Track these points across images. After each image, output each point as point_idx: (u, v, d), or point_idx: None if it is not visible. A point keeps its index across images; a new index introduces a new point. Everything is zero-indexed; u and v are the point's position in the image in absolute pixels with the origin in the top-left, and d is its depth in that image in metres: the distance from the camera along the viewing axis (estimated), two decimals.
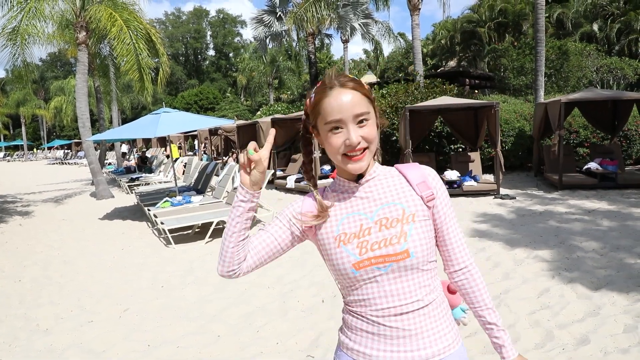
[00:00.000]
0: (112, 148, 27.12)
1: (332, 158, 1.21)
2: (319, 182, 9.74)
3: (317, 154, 11.88)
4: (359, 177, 1.26)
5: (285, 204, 9.32)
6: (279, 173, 12.54)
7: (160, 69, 13.31)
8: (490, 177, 10.56)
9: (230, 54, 67.35)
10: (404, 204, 1.22)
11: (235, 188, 8.31)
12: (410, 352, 1.21)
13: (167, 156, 17.93)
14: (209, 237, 6.73)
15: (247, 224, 1.23)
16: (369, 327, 1.23)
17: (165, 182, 13.22)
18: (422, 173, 1.27)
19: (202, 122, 9.41)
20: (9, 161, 45.10)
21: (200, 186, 9.64)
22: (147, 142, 28.57)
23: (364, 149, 1.18)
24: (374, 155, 1.27)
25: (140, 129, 8.78)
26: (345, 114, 1.15)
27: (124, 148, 24.52)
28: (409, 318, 1.20)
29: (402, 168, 1.30)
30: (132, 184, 13.51)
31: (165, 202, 8.08)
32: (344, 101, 1.15)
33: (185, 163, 13.87)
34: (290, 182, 11.02)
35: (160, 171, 15.33)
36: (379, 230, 1.20)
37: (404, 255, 1.16)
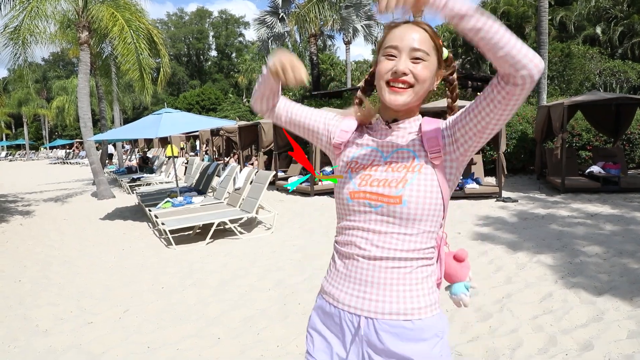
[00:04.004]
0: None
1: (377, 84, 1.23)
2: (317, 185, 9.61)
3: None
4: (393, 121, 1.28)
5: (287, 206, 9.30)
6: (281, 174, 12.51)
7: (162, 70, 13.31)
8: (492, 180, 10.53)
9: (233, 55, 67.41)
10: (416, 153, 1.22)
11: (236, 189, 8.29)
12: (375, 301, 1.20)
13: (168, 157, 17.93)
14: (210, 238, 6.70)
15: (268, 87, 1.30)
16: (342, 267, 1.26)
17: (166, 182, 13.21)
18: (437, 130, 1.24)
19: (203, 123, 9.40)
20: (10, 160, 45.12)
21: (201, 187, 9.63)
22: (149, 142, 28.58)
23: (409, 86, 1.17)
24: (419, 106, 1.29)
25: (142, 129, 8.78)
26: (403, 43, 1.16)
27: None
28: (381, 266, 1.19)
29: (424, 121, 1.28)
30: (134, 184, 13.51)
31: (166, 202, 8.06)
32: (407, 32, 1.17)
33: (186, 165, 13.86)
34: None
35: (161, 172, 15.33)
36: (384, 171, 1.22)
37: (396, 201, 1.16)
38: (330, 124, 1.36)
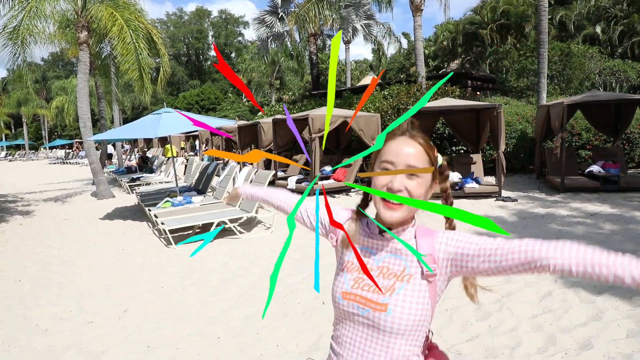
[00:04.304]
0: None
1: (372, 197, 1.25)
2: (320, 182, 9.59)
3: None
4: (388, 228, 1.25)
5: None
6: (280, 174, 12.52)
7: (161, 69, 13.31)
8: (492, 180, 10.53)
9: (232, 54, 67.34)
10: (408, 263, 1.20)
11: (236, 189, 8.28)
12: None
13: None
14: None
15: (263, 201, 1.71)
16: None
17: (166, 182, 13.21)
18: (432, 245, 1.19)
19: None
20: (10, 161, 45.10)
21: (201, 186, 9.63)
22: (149, 142, 28.57)
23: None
24: (413, 222, 1.25)
25: (141, 129, 8.77)
26: (399, 159, 1.17)
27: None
28: None
29: (418, 233, 1.24)
30: (133, 184, 13.51)
31: (166, 202, 8.06)
32: (404, 148, 1.18)
33: (186, 165, 13.87)
34: (291, 183, 11.00)
35: (161, 171, 15.33)
36: (376, 276, 1.22)
37: (382, 308, 1.16)
38: (324, 219, 1.41)
